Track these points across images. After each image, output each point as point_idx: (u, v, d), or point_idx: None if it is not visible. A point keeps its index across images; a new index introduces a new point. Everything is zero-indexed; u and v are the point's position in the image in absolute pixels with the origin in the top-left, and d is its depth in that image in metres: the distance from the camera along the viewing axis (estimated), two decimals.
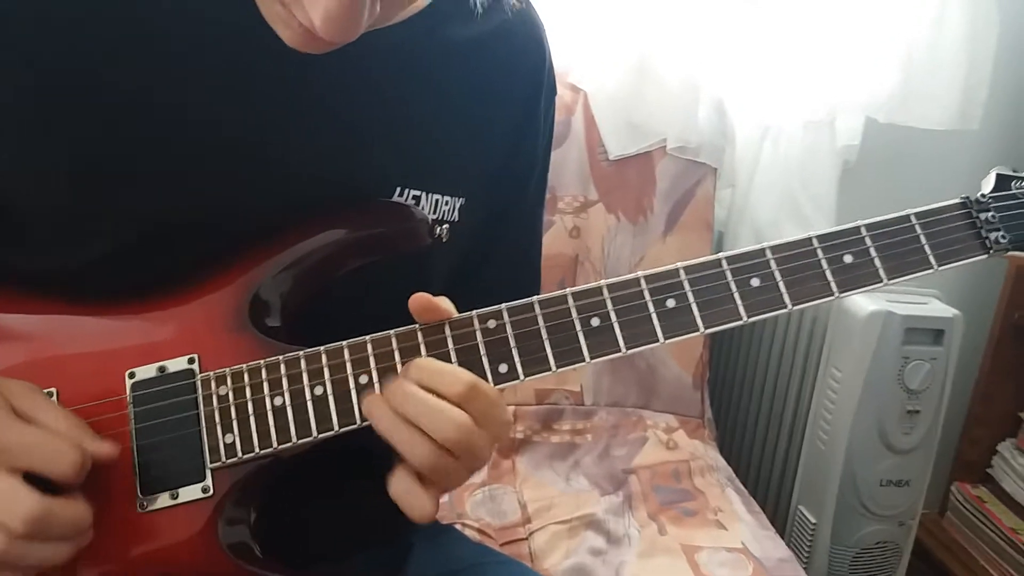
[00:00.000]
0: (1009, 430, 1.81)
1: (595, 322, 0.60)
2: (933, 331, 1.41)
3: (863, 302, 1.41)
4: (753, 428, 1.72)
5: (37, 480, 0.53)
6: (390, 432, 0.56)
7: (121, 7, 0.59)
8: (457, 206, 0.71)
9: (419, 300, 0.59)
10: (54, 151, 0.60)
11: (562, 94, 1.44)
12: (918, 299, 1.46)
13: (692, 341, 1.50)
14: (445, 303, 0.60)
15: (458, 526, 1.21)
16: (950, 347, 1.42)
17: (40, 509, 0.51)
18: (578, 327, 0.60)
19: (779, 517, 1.62)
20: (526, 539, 1.22)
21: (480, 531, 1.22)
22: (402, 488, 0.57)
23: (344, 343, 0.60)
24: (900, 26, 1.50)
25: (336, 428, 0.59)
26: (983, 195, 0.64)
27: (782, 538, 1.27)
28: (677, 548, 1.20)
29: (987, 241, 0.63)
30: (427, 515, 0.58)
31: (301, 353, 0.60)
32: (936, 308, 1.44)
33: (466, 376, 0.56)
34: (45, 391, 0.59)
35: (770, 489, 1.67)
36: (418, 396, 0.55)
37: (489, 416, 0.57)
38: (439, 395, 0.55)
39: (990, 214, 0.63)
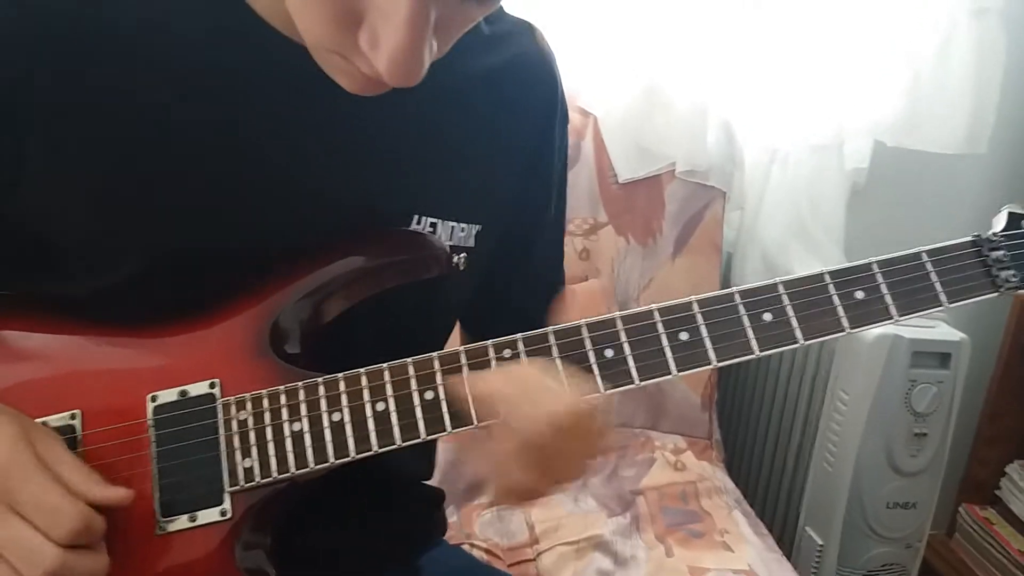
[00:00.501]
0: (1017, 451, 1.81)
1: (609, 353, 0.61)
2: (940, 354, 1.41)
3: None
4: (761, 450, 1.72)
5: None
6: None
7: (147, 39, 0.61)
8: (473, 233, 0.72)
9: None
10: (79, 179, 0.61)
11: (572, 118, 1.44)
12: (925, 323, 1.46)
13: None
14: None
15: (466, 546, 1.22)
16: (957, 370, 1.42)
17: (59, 562, 0.52)
18: (592, 359, 0.61)
19: (786, 539, 1.62)
20: (534, 560, 1.23)
21: (488, 551, 1.23)
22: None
23: (362, 370, 0.61)
24: (908, 50, 1.52)
25: (353, 454, 0.60)
26: (995, 233, 0.65)
27: (789, 560, 1.27)
28: (684, 570, 1.20)
29: (997, 279, 0.63)
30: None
31: (320, 380, 0.61)
32: (943, 332, 1.44)
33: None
34: (69, 412, 0.61)
35: (777, 511, 1.67)
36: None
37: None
38: None
39: (1001, 252, 0.64)
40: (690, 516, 1.35)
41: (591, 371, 0.61)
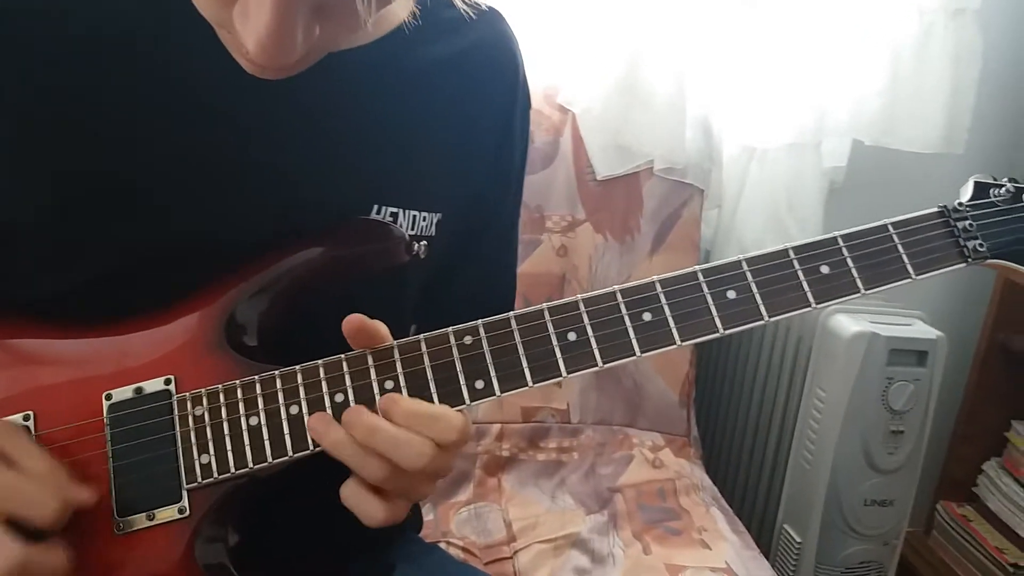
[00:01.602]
0: (994, 449, 1.82)
1: (572, 336, 0.60)
2: (917, 352, 1.41)
3: (847, 323, 1.42)
4: (739, 447, 1.72)
5: (17, 524, 0.53)
6: (339, 453, 0.57)
7: (99, 37, 0.60)
8: (434, 221, 0.72)
9: (353, 322, 0.59)
10: (33, 182, 0.60)
11: (550, 115, 1.46)
12: (902, 320, 1.47)
13: (678, 359, 1.52)
14: (381, 328, 0.60)
15: (443, 544, 1.22)
16: (934, 368, 1.42)
17: (21, 557, 0.52)
18: (555, 342, 0.60)
19: (764, 536, 1.62)
20: (511, 558, 1.23)
21: (465, 549, 1.22)
22: (352, 495, 0.58)
23: (319, 362, 0.60)
24: (886, 49, 1.52)
25: (311, 448, 0.59)
26: (960, 203, 0.64)
27: (767, 558, 1.27)
28: (661, 568, 1.20)
29: (965, 249, 0.63)
30: (377, 521, 0.58)
31: (276, 373, 0.60)
32: (920, 329, 1.44)
33: (458, 421, 0.57)
34: (22, 414, 0.60)
35: (755, 508, 1.67)
36: (384, 431, 0.56)
37: (458, 444, 0.58)
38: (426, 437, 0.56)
39: (968, 222, 0.63)
40: (668, 514, 1.34)
41: (554, 354, 0.60)
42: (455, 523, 1.29)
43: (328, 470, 0.63)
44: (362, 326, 0.59)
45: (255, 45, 0.48)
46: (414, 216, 0.70)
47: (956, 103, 1.54)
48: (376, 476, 0.56)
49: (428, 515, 1.27)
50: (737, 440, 1.72)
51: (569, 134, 1.47)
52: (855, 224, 0.63)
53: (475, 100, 0.74)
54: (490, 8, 0.76)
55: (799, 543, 1.52)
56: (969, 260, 0.63)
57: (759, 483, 1.66)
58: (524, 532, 1.27)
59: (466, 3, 0.72)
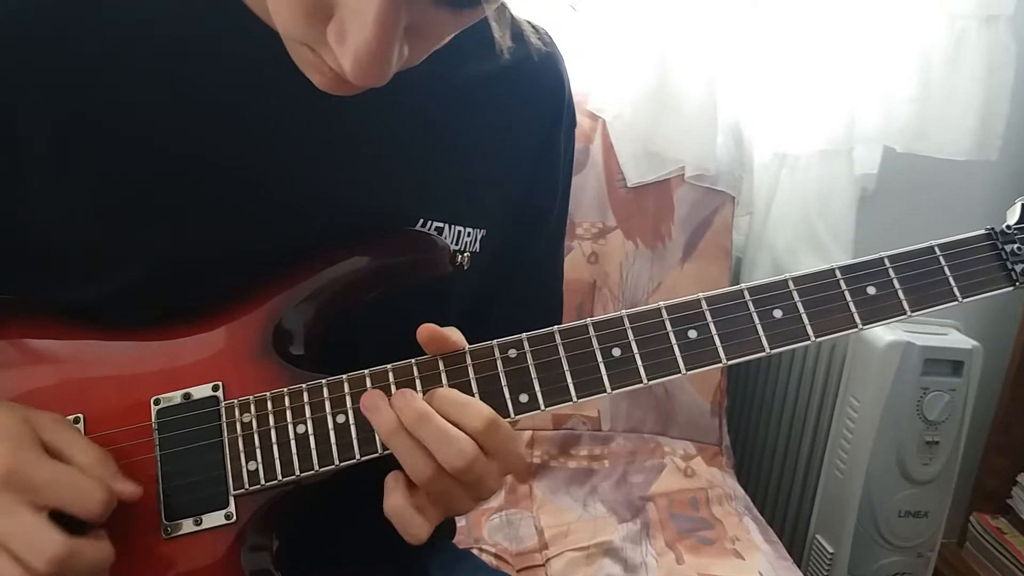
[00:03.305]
0: None
1: (616, 352, 0.60)
2: (952, 362, 1.40)
3: (882, 332, 1.41)
4: (771, 456, 1.71)
5: (61, 516, 0.53)
6: (394, 442, 0.57)
7: (143, 44, 0.61)
8: (479, 237, 0.72)
9: (427, 331, 0.59)
10: (79, 187, 0.61)
11: (581, 122, 1.46)
12: (938, 330, 1.46)
13: None
14: (455, 334, 0.60)
15: (475, 551, 1.22)
16: (969, 379, 1.41)
17: (64, 550, 0.52)
18: (599, 358, 0.60)
19: (796, 546, 1.61)
20: (543, 565, 1.22)
21: (497, 556, 1.22)
22: (398, 505, 0.58)
23: (366, 371, 0.61)
24: (918, 56, 1.51)
25: (358, 456, 0.59)
26: (1008, 226, 0.64)
27: (799, 568, 1.26)
28: None
29: (1013, 273, 0.62)
30: (419, 537, 0.58)
31: (323, 381, 0.61)
32: (956, 339, 1.43)
33: (487, 412, 0.57)
34: (72, 416, 0.60)
35: (787, 518, 1.65)
36: (433, 420, 0.56)
37: (504, 450, 0.58)
38: (457, 426, 0.56)
39: (1016, 245, 0.62)
40: (700, 523, 1.34)
41: (598, 370, 0.60)
42: (487, 529, 1.29)
43: (371, 480, 0.64)
44: (436, 335, 0.59)
45: (353, 64, 0.48)
46: (459, 231, 0.70)
47: (989, 110, 1.52)
48: (420, 470, 0.56)
49: (460, 521, 1.27)
50: (769, 449, 1.71)
51: (599, 141, 1.47)
52: (887, 231, 0.63)
53: (520, 119, 0.74)
54: (538, 26, 0.77)
55: (831, 553, 1.51)
56: (1017, 284, 0.62)
57: (791, 493, 1.64)
58: (556, 540, 1.27)
59: (513, 20, 0.72)
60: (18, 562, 0.52)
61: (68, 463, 0.55)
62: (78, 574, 0.54)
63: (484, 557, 1.21)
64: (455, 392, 0.58)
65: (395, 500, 0.58)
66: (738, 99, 1.52)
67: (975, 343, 1.41)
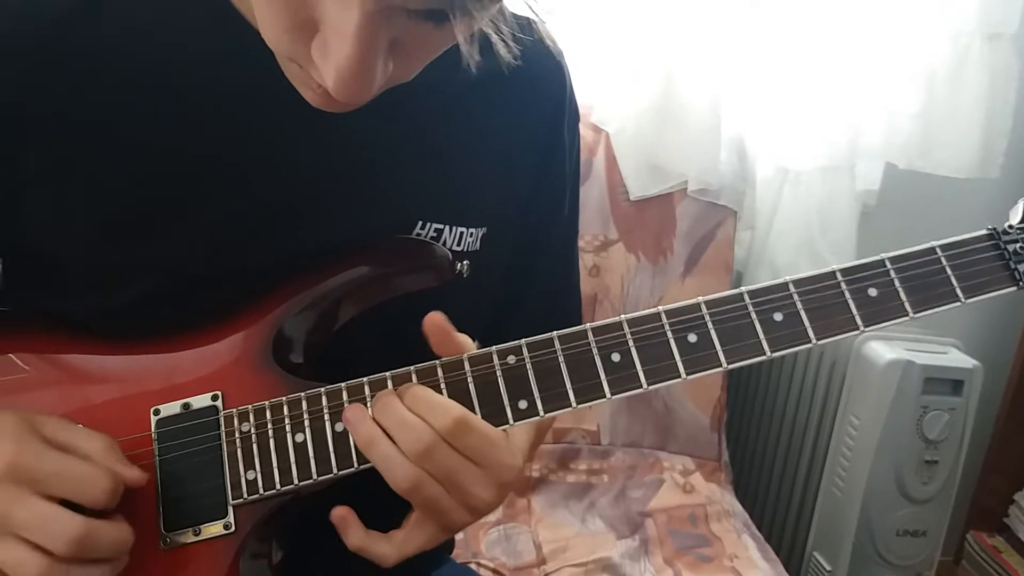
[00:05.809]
0: None
1: (615, 358, 0.59)
2: (952, 381, 1.40)
3: (882, 350, 1.40)
4: (769, 473, 1.70)
5: (70, 508, 0.53)
6: (367, 442, 0.57)
7: (147, 61, 0.61)
8: (480, 236, 0.71)
9: (434, 319, 0.59)
10: (79, 200, 0.61)
11: (584, 134, 1.45)
12: (938, 348, 1.45)
13: (710, 382, 1.50)
14: (461, 335, 0.60)
15: (473, 565, 1.21)
16: (969, 398, 1.40)
17: (83, 529, 0.52)
18: (599, 363, 0.59)
19: (794, 563, 1.60)
20: None
21: (495, 571, 1.22)
22: (358, 539, 0.60)
23: (364, 379, 0.60)
24: (921, 73, 1.51)
25: (356, 465, 0.59)
26: (1011, 225, 0.63)
27: None
28: None
29: (1016, 272, 0.61)
30: (390, 560, 0.60)
31: (322, 390, 0.60)
32: (956, 358, 1.43)
33: (456, 411, 0.56)
34: None
35: (785, 535, 1.65)
36: (396, 409, 0.56)
37: (486, 455, 0.57)
38: (424, 422, 0.56)
39: (1019, 245, 0.62)
40: (699, 540, 1.33)
41: (598, 376, 0.59)
42: (485, 544, 1.28)
43: (369, 490, 0.63)
44: (439, 324, 0.59)
45: (335, 80, 0.48)
46: (460, 232, 0.69)
47: (992, 127, 1.52)
48: (393, 469, 0.56)
49: (458, 535, 1.26)
50: (768, 466, 1.70)
51: (603, 154, 1.47)
52: (889, 248, 0.62)
53: (520, 114, 0.74)
54: (536, 20, 0.76)
55: (829, 571, 1.50)
56: (1020, 284, 0.61)
57: (789, 510, 1.64)
58: (554, 555, 1.26)
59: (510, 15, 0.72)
60: (38, 550, 0.51)
61: (71, 454, 0.55)
62: (99, 556, 0.53)
63: (482, 572, 1.20)
64: (427, 390, 0.58)
65: (353, 540, 0.60)
66: (741, 114, 1.52)
67: (976, 362, 1.41)
